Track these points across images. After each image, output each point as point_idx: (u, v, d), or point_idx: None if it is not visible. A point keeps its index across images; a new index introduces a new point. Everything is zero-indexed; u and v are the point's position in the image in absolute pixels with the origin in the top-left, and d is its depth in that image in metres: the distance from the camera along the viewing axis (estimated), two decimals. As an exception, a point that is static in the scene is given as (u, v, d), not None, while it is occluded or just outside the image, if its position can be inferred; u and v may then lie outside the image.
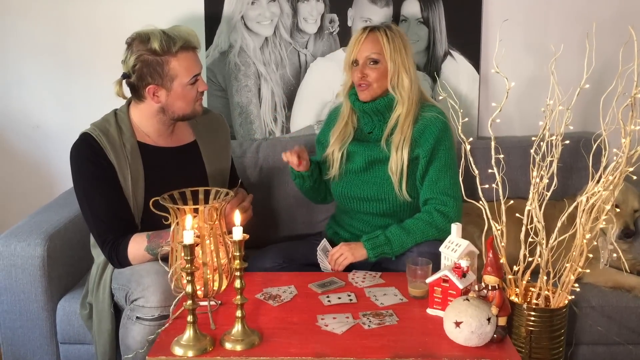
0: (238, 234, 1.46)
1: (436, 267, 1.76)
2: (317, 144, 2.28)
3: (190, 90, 1.91)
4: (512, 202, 1.85)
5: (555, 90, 1.79)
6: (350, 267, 1.98)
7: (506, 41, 1.92)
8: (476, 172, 1.81)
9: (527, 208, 1.81)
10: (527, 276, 1.85)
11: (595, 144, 1.79)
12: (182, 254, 1.45)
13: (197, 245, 1.49)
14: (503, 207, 1.82)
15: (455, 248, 1.71)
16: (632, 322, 2.09)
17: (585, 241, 1.77)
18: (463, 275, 1.63)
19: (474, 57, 2.59)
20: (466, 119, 1.85)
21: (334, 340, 1.54)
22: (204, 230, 1.55)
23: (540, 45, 2.53)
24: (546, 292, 1.82)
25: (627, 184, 2.18)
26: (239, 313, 1.51)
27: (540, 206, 1.81)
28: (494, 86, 2.62)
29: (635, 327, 2.09)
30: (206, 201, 1.64)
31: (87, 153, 1.88)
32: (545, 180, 1.80)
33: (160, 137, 1.99)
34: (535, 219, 1.80)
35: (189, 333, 1.49)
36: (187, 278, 1.46)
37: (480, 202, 1.81)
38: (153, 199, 1.57)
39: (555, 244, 1.79)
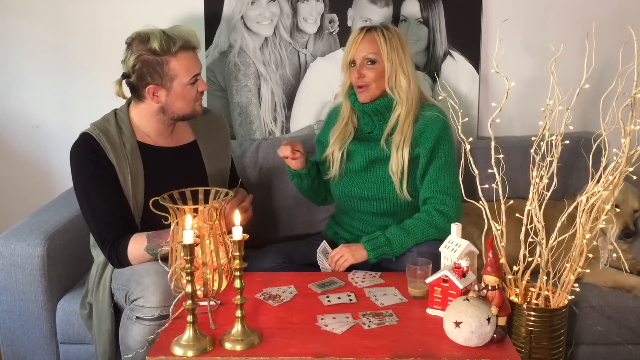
0: (238, 233, 1.46)
1: (436, 267, 1.76)
2: (317, 143, 2.27)
3: (190, 90, 1.91)
4: (512, 202, 1.85)
5: (555, 90, 1.79)
6: (350, 268, 1.98)
7: (506, 41, 1.92)
8: (476, 172, 1.81)
9: (527, 208, 1.81)
10: (527, 276, 1.85)
11: (595, 144, 1.79)
12: (182, 254, 1.45)
13: (196, 245, 1.49)
14: (503, 207, 1.82)
15: (455, 248, 1.71)
16: (632, 322, 2.09)
17: (585, 241, 1.77)
18: (463, 275, 1.62)
19: (473, 57, 2.59)
20: (466, 119, 1.85)
21: (333, 340, 1.54)
22: (204, 230, 1.55)
23: (540, 45, 2.53)
24: (546, 292, 1.82)
25: (627, 184, 2.18)
26: (238, 313, 1.51)
27: (540, 206, 1.81)
28: (493, 86, 2.62)
29: (635, 327, 2.09)
30: (206, 201, 1.64)
31: (87, 153, 1.88)
32: (545, 180, 1.80)
33: (160, 137, 1.99)
34: (535, 219, 1.80)
35: (188, 333, 1.49)
36: (187, 278, 1.46)
37: (480, 202, 1.82)
38: (153, 199, 1.57)
39: (555, 244, 1.79)
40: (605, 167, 1.77)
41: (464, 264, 1.64)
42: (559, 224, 1.80)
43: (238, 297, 1.49)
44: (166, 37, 1.84)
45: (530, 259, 1.82)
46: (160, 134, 1.99)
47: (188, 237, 1.43)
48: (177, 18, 2.55)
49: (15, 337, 2.07)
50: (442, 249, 1.76)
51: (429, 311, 1.67)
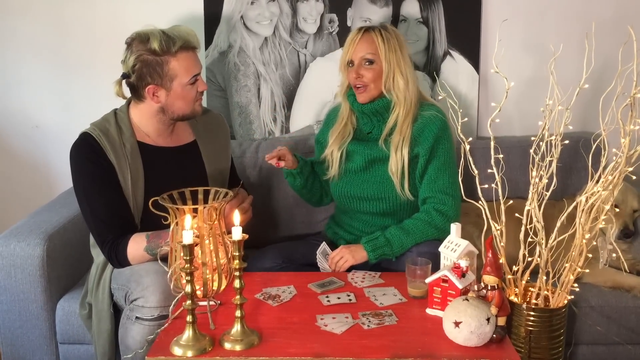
0: (237, 234, 1.46)
1: (435, 267, 1.76)
2: (316, 144, 2.28)
3: (189, 90, 1.91)
4: (511, 202, 1.85)
5: (554, 90, 1.79)
6: (349, 268, 1.98)
7: (505, 41, 1.92)
8: (476, 172, 1.81)
9: (527, 208, 1.81)
10: (526, 276, 1.85)
11: (595, 144, 1.79)
12: (182, 254, 1.45)
13: (196, 245, 1.49)
14: (502, 207, 1.82)
15: (454, 248, 1.71)
16: (632, 322, 2.09)
17: (584, 241, 1.77)
18: (462, 275, 1.63)
19: (473, 57, 2.59)
20: (465, 119, 1.85)
21: (333, 340, 1.54)
22: (204, 230, 1.55)
23: (540, 45, 2.53)
24: (545, 292, 1.82)
25: (627, 184, 2.18)
26: (238, 313, 1.51)
27: (539, 206, 1.81)
28: (493, 86, 2.62)
29: (634, 327, 2.09)
30: (206, 201, 1.64)
31: (87, 153, 1.88)
32: (545, 180, 1.80)
33: (160, 137, 1.99)
34: (534, 219, 1.80)
35: (188, 333, 1.49)
36: (187, 278, 1.46)
37: (480, 202, 1.81)
38: (152, 199, 1.57)
39: (554, 243, 1.79)
40: (605, 167, 1.77)
41: (463, 264, 1.64)
42: (558, 224, 1.80)
43: (238, 297, 1.49)
44: (166, 37, 1.84)
45: (529, 259, 1.82)
46: (160, 134, 1.99)
47: (187, 237, 1.43)
48: (177, 18, 2.55)
49: (15, 337, 2.07)
50: (441, 249, 1.76)
51: (429, 311, 1.67)
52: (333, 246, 2.07)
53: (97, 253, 1.98)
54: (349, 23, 2.57)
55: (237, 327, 1.51)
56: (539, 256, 1.81)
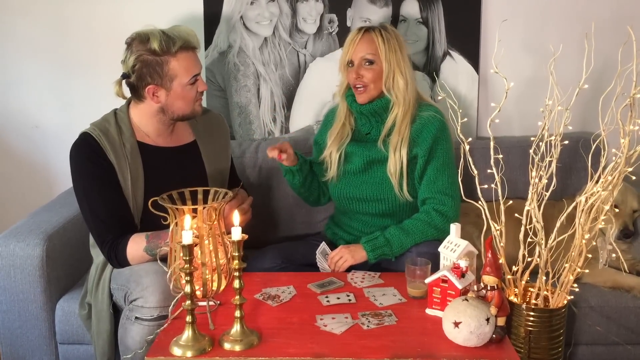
0: (237, 234, 1.46)
1: (435, 267, 1.76)
2: (314, 145, 2.27)
3: (189, 90, 1.91)
4: (511, 202, 1.85)
5: (554, 90, 1.79)
6: (349, 268, 1.98)
7: (505, 41, 1.92)
8: (475, 172, 1.81)
9: (526, 208, 1.81)
10: (526, 276, 1.84)
11: (594, 144, 1.79)
12: (181, 254, 1.45)
13: (195, 245, 1.49)
14: (502, 207, 1.82)
15: (454, 248, 1.71)
16: (631, 322, 2.09)
17: (584, 241, 1.77)
18: (462, 275, 1.63)
19: (473, 57, 2.59)
20: (465, 119, 1.85)
21: (332, 340, 1.54)
22: (203, 231, 1.55)
23: (539, 46, 2.53)
24: (545, 292, 1.82)
25: (626, 184, 2.18)
26: (237, 313, 1.51)
27: (539, 206, 1.81)
28: (493, 86, 2.62)
29: (634, 327, 2.09)
30: (205, 201, 1.64)
31: (87, 153, 1.88)
32: (544, 181, 1.80)
33: (160, 137, 1.99)
34: (534, 219, 1.80)
35: (187, 333, 1.49)
36: (186, 278, 1.46)
37: (480, 202, 1.81)
38: (152, 199, 1.57)
39: (554, 244, 1.79)
40: (605, 168, 1.77)
41: (463, 264, 1.64)
42: (558, 224, 1.80)
43: (237, 297, 1.49)
44: (166, 37, 1.84)
45: (529, 259, 1.82)
46: (160, 134, 1.99)
47: (187, 238, 1.43)
48: (177, 18, 2.55)
49: (15, 338, 2.07)
50: (441, 249, 1.76)
51: (428, 311, 1.67)
52: (333, 246, 2.07)
53: (96, 253, 1.98)
54: (348, 23, 2.57)
55: (236, 328, 1.51)
56: (539, 256, 1.81)
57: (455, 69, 2.60)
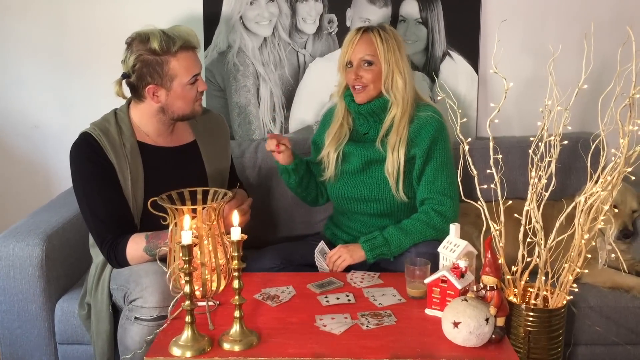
0: (236, 234, 1.46)
1: (434, 267, 1.76)
2: (312, 145, 2.28)
3: (190, 90, 1.91)
4: (510, 202, 1.85)
5: (553, 90, 1.79)
6: (348, 268, 1.98)
7: (505, 41, 1.92)
8: (475, 172, 1.81)
9: (526, 208, 1.81)
10: (525, 276, 1.84)
11: (594, 145, 1.79)
12: (180, 255, 1.45)
13: (195, 245, 1.49)
14: (502, 208, 1.82)
15: (453, 248, 1.71)
16: (631, 322, 2.09)
17: (583, 241, 1.77)
18: (461, 275, 1.63)
19: (472, 57, 2.59)
20: (465, 120, 1.85)
21: (332, 340, 1.54)
22: (202, 231, 1.55)
23: (539, 46, 2.53)
24: (544, 293, 1.82)
25: (626, 185, 2.18)
26: (237, 313, 1.51)
27: (538, 206, 1.81)
28: (492, 86, 2.62)
29: (633, 328, 2.09)
30: (205, 201, 1.64)
31: (87, 152, 1.88)
32: (544, 181, 1.80)
33: (160, 137, 1.99)
34: (533, 219, 1.80)
35: (187, 333, 1.49)
36: (185, 278, 1.46)
37: (479, 202, 1.81)
38: (151, 200, 1.57)
39: (553, 244, 1.79)
40: (604, 168, 1.76)
41: (462, 264, 1.64)
42: (557, 225, 1.80)
43: (236, 297, 1.49)
44: (166, 37, 1.84)
45: (528, 260, 1.82)
46: (160, 134, 1.99)
47: (186, 238, 1.43)
48: (176, 18, 2.55)
49: (14, 338, 2.07)
50: (440, 249, 1.76)
51: (428, 311, 1.67)
52: (332, 247, 2.07)
53: (96, 253, 1.98)
54: (348, 23, 2.57)
55: (236, 328, 1.51)
56: (538, 256, 1.80)
57: (454, 69, 2.60)
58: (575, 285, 1.85)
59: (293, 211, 2.48)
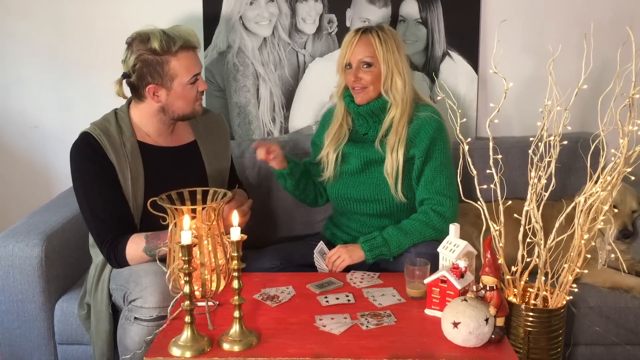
0: (236, 234, 1.46)
1: (434, 268, 1.76)
2: (311, 145, 2.27)
3: (190, 90, 1.91)
4: (510, 202, 1.85)
5: (553, 90, 1.79)
6: (347, 268, 1.98)
7: (504, 42, 1.92)
8: (474, 172, 1.81)
9: (525, 208, 1.81)
10: (525, 277, 1.84)
11: (594, 145, 1.79)
12: (180, 255, 1.45)
13: (194, 245, 1.49)
14: (501, 208, 1.82)
15: (453, 249, 1.71)
16: (630, 322, 2.09)
17: (583, 242, 1.77)
18: (461, 275, 1.63)
19: (472, 57, 2.59)
20: (464, 120, 1.85)
21: (332, 340, 1.54)
22: (202, 231, 1.55)
23: (539, 46, 2.53)
24: (544, 293, 1.82)
25: (625, 185, 2.18)
26: (236, 313, 1.51)
27: (538, 207, 1.81)
28: (492, 87, 2.62)
29: (633, 328, 2.09)
30: (205, 201, 1.64)
31: (88, 152, 1.88)
32: (544, 181, 1.80)
33: (160, 137, 1.99)
34: (533, 220, 1.80)
35: (186, 334, 1.49)
36: (185, 279, 1.46)
37: (479, 202, 1.81)
38: (151, 200, 1.57)
39: (553, 244, 1.79)
40: (604, 168, 1.77)
41: (462, 264, 1.64)
42: (557, 225, 1.80)
43: (236, 297, 1.49)
44: (166, 36, 1.84)
45: (528, 260, 1.82)
46: (160, 134, 1.99)
47: (186, 238, 1.43)
48: (176, 18, 2.55)
49: (13, 338, 2.07)
50: (440, 249, 1.76)
51: (427, 312, 1.67)
52: (331, 247, 2.06)
53: (95, 253, 1.98)
54: (348, 23, 2.57)
55: (235, 328, 1.51)
56: (538, 257, 1.80)
57: (454, 69, 2.60)
58: (574, 285, 1.85)
59: (293, 211, 2.48)
